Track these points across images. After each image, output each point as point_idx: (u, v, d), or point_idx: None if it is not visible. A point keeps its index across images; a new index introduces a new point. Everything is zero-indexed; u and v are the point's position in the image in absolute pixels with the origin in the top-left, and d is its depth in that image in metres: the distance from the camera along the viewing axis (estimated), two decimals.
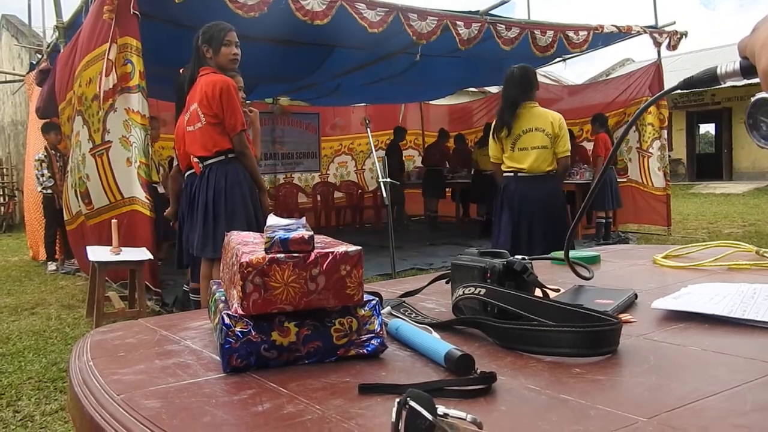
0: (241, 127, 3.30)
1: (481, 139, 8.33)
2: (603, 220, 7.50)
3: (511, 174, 3.75)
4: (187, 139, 3.42)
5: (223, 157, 3.33)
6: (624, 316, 0.84)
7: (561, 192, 3.90)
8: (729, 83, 0.64)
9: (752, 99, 0.58)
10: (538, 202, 3.69)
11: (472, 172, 8.59)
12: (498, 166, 3.86)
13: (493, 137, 3.80)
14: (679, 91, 0.71)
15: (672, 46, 7.56)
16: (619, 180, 8.03)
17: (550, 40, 6.66)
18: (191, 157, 3.44)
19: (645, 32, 7.38)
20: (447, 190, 9.51)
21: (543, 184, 3.69)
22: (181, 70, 3.78)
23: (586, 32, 6.90)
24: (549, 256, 1.35)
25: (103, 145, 4.82)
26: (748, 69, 0.59)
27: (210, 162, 3.34)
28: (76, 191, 5.48)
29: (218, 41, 3.35)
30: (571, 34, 6.82)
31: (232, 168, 3.35)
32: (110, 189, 4.85)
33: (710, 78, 0.65)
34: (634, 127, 8.03)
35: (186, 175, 3.68)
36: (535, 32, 6.60)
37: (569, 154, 3.75)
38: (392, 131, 9.50)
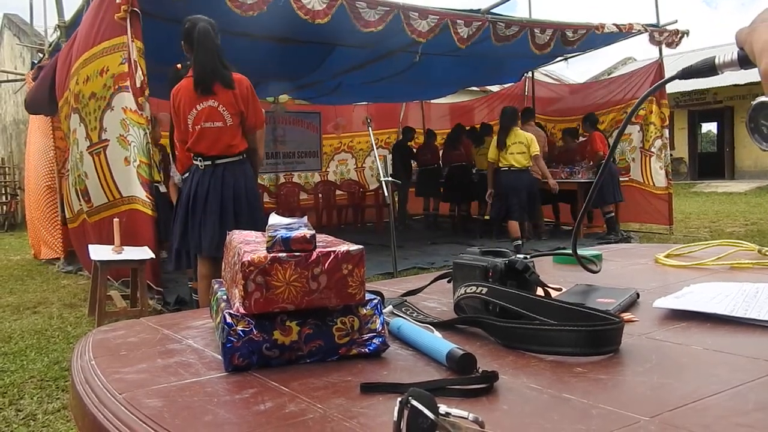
0: (261, 125, 3.35)
1: (477, 139, 8.30)
2: (610, 215, 7.49)
3: (506, 168, 6.28)
4: (200, 136, 3.34)
5: (240, 157, 3.32)
6: (626, 316, 0.84)
7: (535, 179, 6.46)
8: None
9: (752, 103, 0.58)
10: (520, 184, 6.24)
11: (474, 171, 8.52)
12: (494, 165, 6.42)
13: (497, 147, 6.30)
14: (677, 80, 0.71)
15: (671, 44, 7.53)
16: (621, 179, 8.02)
17: (548, 38, 6.66)
18: (193, 155, 3.41)
19: (646, 31, 7.36)
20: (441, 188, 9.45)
21: (522, 174, 6.28)
22: (178, 66, 3.77)
23: (585, 31, 6.89)
24: (551, 252, 1.35)
25: (100, 144, 4.82)
26: (745, 59, 0.60)
27: (225, 161, 3.32)
28: (76, 189, 5.48)
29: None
30: (569, 32, 6.81)
31: (248, 169, 3.35)
32: (108, 187, 4.85)
33: (708, 68, 0.65)
34: (638, 128, 8.03)
35: (183, 177, 3.66)
36: (535, 30, 6.59)
37: (536, 154, 6.28)
38: (401, 130, 9.50)
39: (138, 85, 4.40)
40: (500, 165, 6.26)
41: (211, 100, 3.29)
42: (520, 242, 6.32)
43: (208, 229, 3.33)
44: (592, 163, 7.50)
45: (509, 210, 6.30)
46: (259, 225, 3.17)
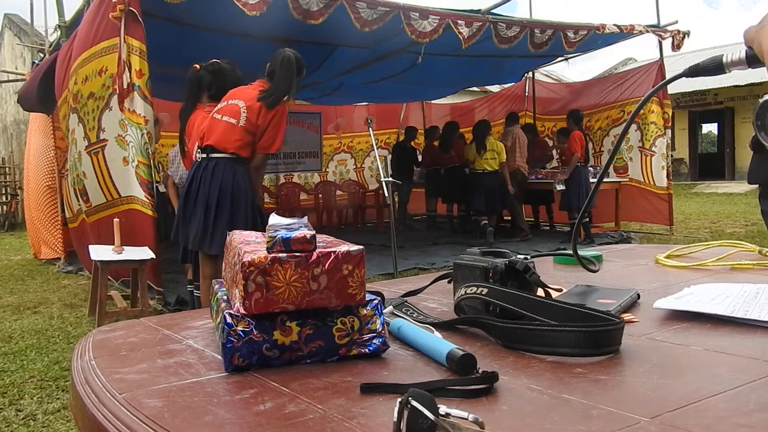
0: (274, 150, 3.38)
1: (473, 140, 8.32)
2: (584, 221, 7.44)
3: (481, 171, 7.53)
4: (208, 125, 3.37)
5: (235, 157, 3.32)
6: (626, 316, 0.84)
7: (503, 179, 7.52)
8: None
9: (761, 100, 0.58)
10: (493, 184, 7.48)
11: (468, 171, 8.51)
12: (472, 165, 7.72)
13: (475, 152, 7.57)
14: (684, 77, 0.71)
15: (676, 46, 7.53)
16: (619, 179, 8.02)
17: (547, 37, 6.66)
18: (198, 143, 3.43)
19: (648, 31, 7.37)
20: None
21: (494, 175, 7.47)
22: (196, 66, 3.79)
23: (585, 31, 6.88)
24: (551, 253, 1.35)
25: (99, 144, 4.82)
26: (753, 58, 0.59)
27: (219, 156, 3.33)
28: (75, 189, 5.48)
29: (296, 85, 3.42)
30: (571, 33, 6.81)
31: (240, 169, 3.35)
32: (107, 187, 4.85)
33: (716, 66, 0.65)
34: (635, 126, 8.02)
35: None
36: (535, 31, 6.59)
37: (504, 161, 7.49)
38: (404, 130, 9.50)
39: (125, 86, 4.40)
40: (475, 168, 7.57)
41: (240, 100, 3.31)
42: (487, 222, 7.59)
43: (194, 222, 3.35)
44: (565, 158, 7.55)
45: (482, 204, 7.64)
46: (240, 223, 3.20)
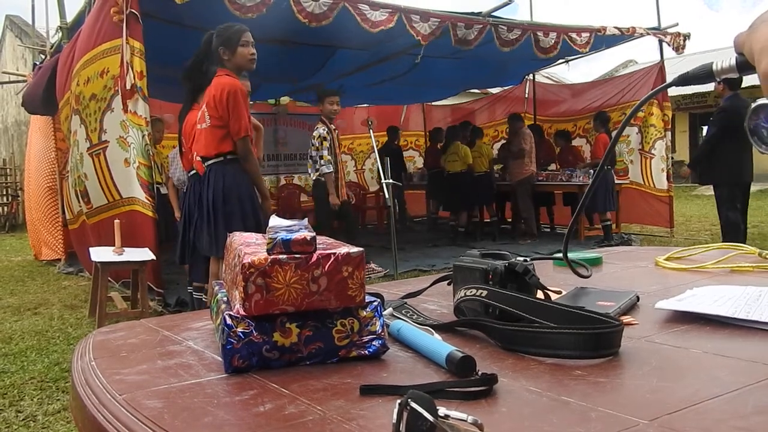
0: (245, 132, 3.31)
1: (469, 142, 8.34)
2: (606, 223, 7.46)
3: (446, 172, 7.81)
4: (196, 136, 3.49)
5: (222, 159, 3.36)
6: (626, 318, 0.84)
7: (469, 180, 7.69)
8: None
9: (752, 105, 0.58)
10: (460, 184, 7.62)
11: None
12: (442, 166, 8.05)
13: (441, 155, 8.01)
14: (674, 86, 0.70)
15: (676, 48, 7.53)
16: (620, 182, 8.01)
17: (553, 41, 6.66)
18: (194, 156, 3.47)
19: (648, 34, 7.37)
20: None
21: (461, 176, 7.62)
22: None
23: (588, 34, 6.88)
24: (550, 256, 1.34)
25: (100, 145, 4.82)
26: (743, 65, 0.59)
27: (210, 162, 3.39)
28: (76, 190, 5.49)
29: (234, 42, 3.35)
30: (573, 35, 6.81)
31: (231, 169, 3.38)
32: (108, 189, 4.85)
33: (706, 74, 0.64)
34: (636, 129, 8.01)
35: (189, 174, 3.71)
36: (538, 34, 6.59)
37: (470, 162, 7.65)
38: (386, 131, 9.49)
39: (128, 87, 4.41)
40: (440, 168, 8.03)
41: (204, 102, 3.40)
42: (462, 228, 7.86)
43: (202, 229, 3.45)
44: (589, 161, 7.52)
45: (456, 203, 7.98)
46: (237, 222, 3.25)
